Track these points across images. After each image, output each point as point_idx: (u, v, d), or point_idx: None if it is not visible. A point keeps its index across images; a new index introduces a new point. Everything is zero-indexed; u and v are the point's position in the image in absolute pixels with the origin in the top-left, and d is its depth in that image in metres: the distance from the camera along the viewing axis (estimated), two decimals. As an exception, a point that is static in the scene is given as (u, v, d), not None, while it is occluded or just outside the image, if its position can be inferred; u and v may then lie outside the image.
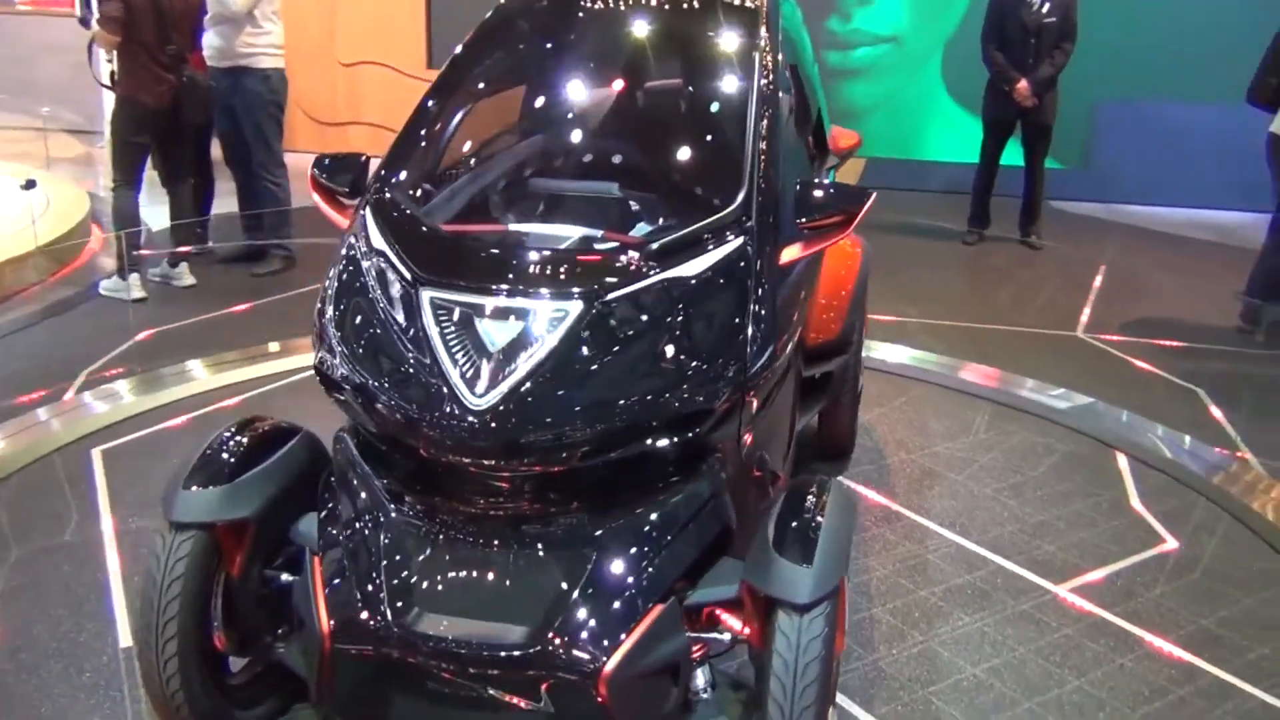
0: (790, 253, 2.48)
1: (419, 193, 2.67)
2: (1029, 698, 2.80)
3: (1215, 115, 9.27)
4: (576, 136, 2.95)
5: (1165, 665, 2.97)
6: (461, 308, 2.23)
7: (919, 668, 2.91)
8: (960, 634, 3.07)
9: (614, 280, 2.25)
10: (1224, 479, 4.09)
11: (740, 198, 2.45)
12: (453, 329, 2.21)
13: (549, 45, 3.17)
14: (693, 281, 2.29)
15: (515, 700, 2.13)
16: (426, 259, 2.35)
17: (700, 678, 2.26)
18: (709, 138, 2.83)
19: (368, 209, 2.56)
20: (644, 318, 2.23)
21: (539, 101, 3.11)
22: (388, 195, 2.58)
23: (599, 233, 2.47)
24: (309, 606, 2.21)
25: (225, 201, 6.73)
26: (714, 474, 2.35)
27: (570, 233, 2.47)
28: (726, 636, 2.29)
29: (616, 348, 2.19)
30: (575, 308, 2.19)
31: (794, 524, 2.18)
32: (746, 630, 2.20)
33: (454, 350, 2.18)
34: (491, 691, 2.13)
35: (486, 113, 3.06)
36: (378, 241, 2.44)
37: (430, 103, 2.89)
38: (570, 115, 3.00)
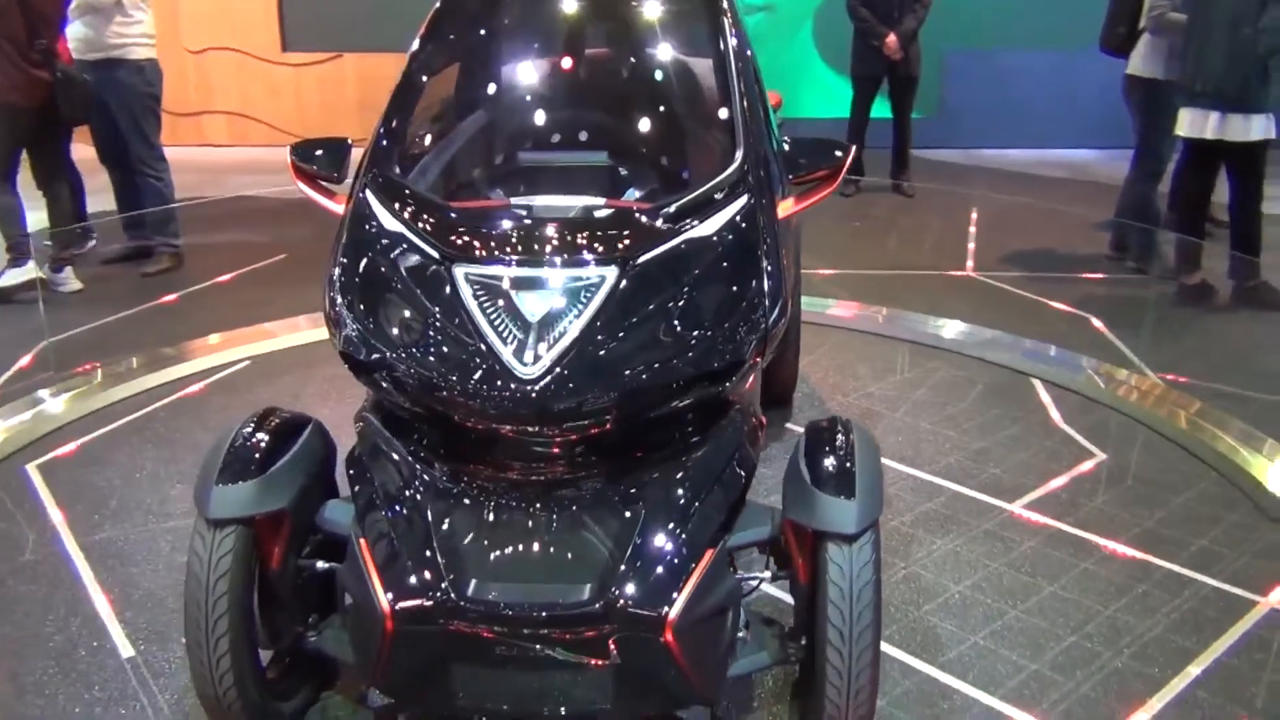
0: (785, 208, 2.59)
1: (417, 172, 2.67)
2: (1013, 606, 3.02)
3: (1056, 62, 9.84)
4: (563, 108, 2.98)
5: (1122, 565, 3.24)
6: (496, 281, 2.26)
7: (908, 591, 3.10)
8: (937, 557, 3.27)
9: (641, 244, 2.32)
10: (1130, 394, 4.43)
11: (739, 157, 2.55)
12: (490, 303, 2.24)
13: (520, 18, 3.19)
14: (712, 240, 2.38)
15: (582, 659, 2.20)
16: (452, 236, 2.36)
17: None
18: (697, 101, 2.91)
19: (368, 191, 2.55)
20: (673, 278, 2.31)
21: (519, 75, 3.12)
22: (387, 176, 2.57)
23: (601, 200, 2.53)
24: (363, 589, 2.22)
25: (96, 200, 6.43)
26: (736, 424, 2.46)
27: (574, 202, 2.52)
28: (766, 575, 2.41)
29: (651, 309, 2.26)
30: (610, 273, 2.26)
31: (828, 461, 2.30)
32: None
33: (496, 323, 2.21)
34: (557, 654, 2.19)
35: (468, 88, 3.06)
36: (391, 223, 2.44)
37: (411, 81, 2.87)
38: (552, 87, 3.03)
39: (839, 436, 2.37)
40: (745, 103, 2.69)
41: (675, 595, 2.17)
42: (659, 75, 3.08)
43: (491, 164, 2.82)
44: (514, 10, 3.22)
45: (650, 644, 2.18)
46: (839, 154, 2.65)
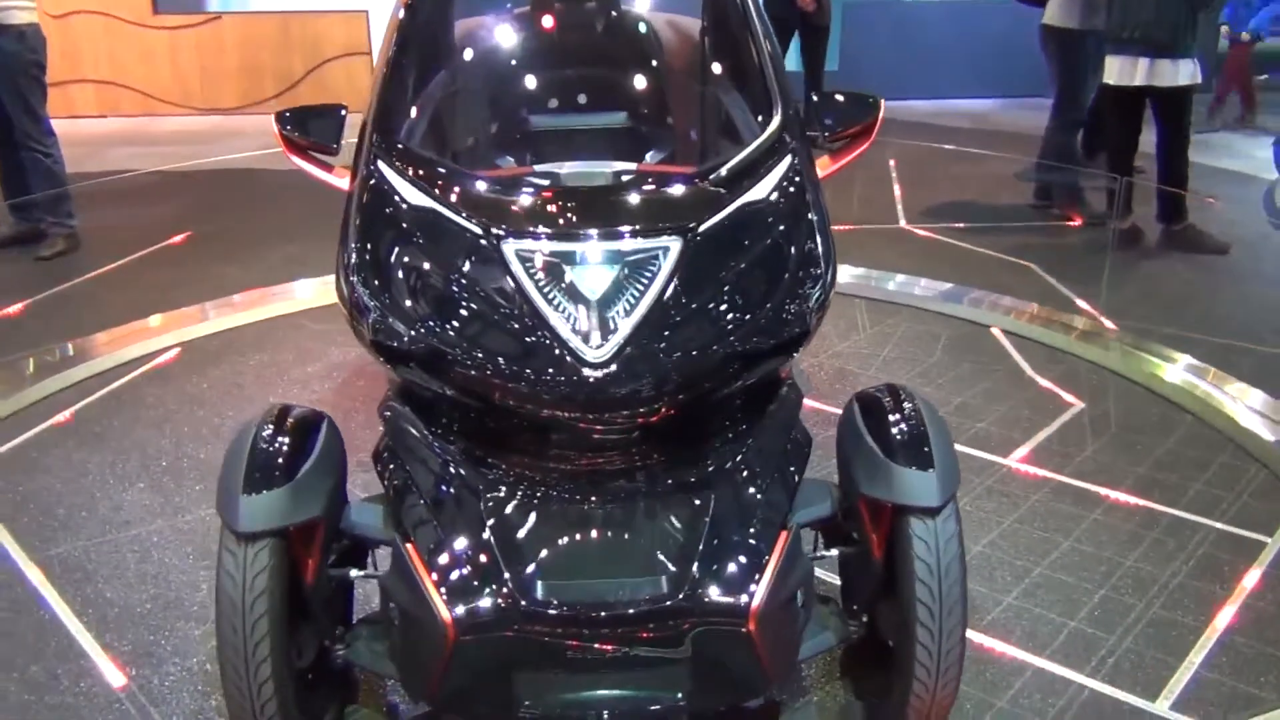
0: (823, 166, 2.47)
1: (425, 141, 2.45)
2: (1037, 564, 2.99)
3: (952, 11, 9.93)
4: (575, 67, 2.78)
5: (1129, 513, 3.26)
6: (550, 257, 2.08)
7: (929, 554, 3.04)
8: (948, 517, 3.22)
9: (701, 212, 2.16)
10: (1090, 341, 4.48)
11: (779, 115, 2.40)
12: (546, 280, 2.05)
13: None
14: (767, 204, 2.24)
15: (658, 656, 2.06)
16: (495, 210, 2.16)
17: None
18: (721, 57, 2.74)
19: (381, 164, 2.31)
20: (734, 247, 2.16)
21: (524, 33, 2.90)
22: (404, 147, 2.34)
23: (631, 165, 2.36)
24: (417, 597, 2.03)
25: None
26: (791, 399, 2.34)
27: (602, 168, 2.34)
28: (833, 553, 2.31)
29: (716, 280, 2.11)
30: (674, 244, 2.09)
31: (897, 431, 2.20)
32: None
33: (555, 303, 2.03)
34: (631, 653, 2.05)
35: (469, 48, 2.83)
36: (419, 198, 2.22)
37: (406, 41, 2.62)
38: (562, 46, 2.83)
39: (904, 404, 2.27)
40: (773, 58, 2.54)
41: (756, 582, 2.05)
42: (675, 31, 2.91)
43: (503, 130, 2.61)
44: None
45: (732, 635, 2.05)
46: (872, 105, 2.53)
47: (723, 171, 2.25)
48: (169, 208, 6.68)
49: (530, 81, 2.78)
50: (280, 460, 2.12)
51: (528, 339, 2.02)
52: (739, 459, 2.18)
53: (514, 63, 2.84)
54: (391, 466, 2.23)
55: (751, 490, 2.14)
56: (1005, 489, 3.38)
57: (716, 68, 2.75)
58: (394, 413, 2.28)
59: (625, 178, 2.29)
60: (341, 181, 2.43)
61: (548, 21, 2.90)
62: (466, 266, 2.11)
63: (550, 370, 1.99)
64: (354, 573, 2.24)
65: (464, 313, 2.08)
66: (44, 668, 2.62)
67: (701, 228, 2.13)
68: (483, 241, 2.11)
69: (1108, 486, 3.39)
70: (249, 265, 5.54)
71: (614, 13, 2.90)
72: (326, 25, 9.54)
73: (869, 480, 2.16)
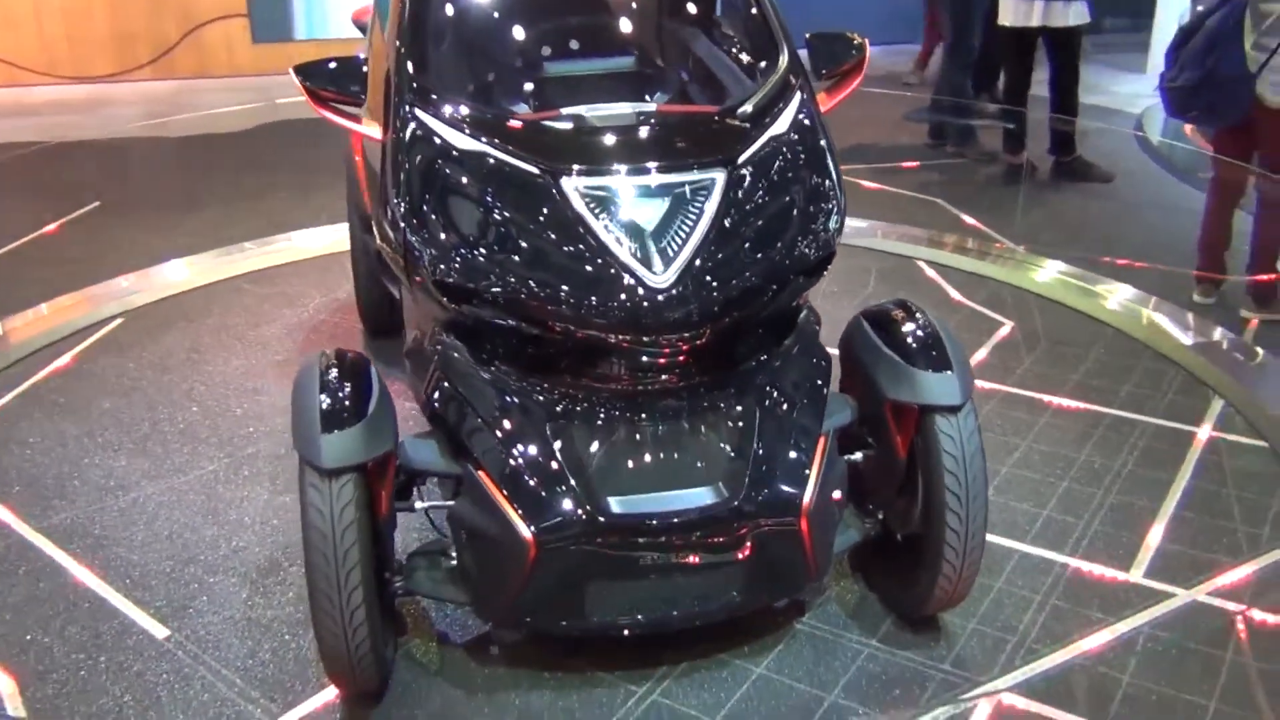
0: (822, 102, 2.65)
1: (458, 90, 2.53)
2: (1003, 464, 3.28)
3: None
4: (581, 13, 2.88)
5: (1074, 416, 3.58)
6: (606, 191, 2.21)
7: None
8: (914, 429, 3.49)
9: (738, 145, 2.32)
10: (1006, 265, 4.82)
11: (785, 54, 2.57)
12: (604, 213, 2.19)
13: None
14: (789, 137, 2.41)
15: (721, 559, 2.24)
16: (548, 149, 2.28)
17: None
18: (729, 3, 2.87)
19: (417, 110, 2.39)
20: (767, 178, 2.33)
21: None
22: (436, 97, 2.42)
23: (652, 106, 2.51)
24: (496, 519, 2.16)
25: None
26: (811, 319, 2.54)
27: (624, 109, 2.48)
28: (858, 456, 2.52)
29: (756, 208, 2.28)
30: (720, 175, 2.25)
31: (914, 341, 2.42)
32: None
33: (615, 234, 2.17)
34: (697, 557, 2.23)
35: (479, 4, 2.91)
36: (466, 142, 2.31)
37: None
38: None
39: (916, 316, 2.48)
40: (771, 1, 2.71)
41: (804, 483, 2.25)
42: None
43: (524, 75, 2.71)
44: None
45: (786, 533, 2.26)
46: (857, 43, 2.72)
47: (748, 108, 2.42)
48: (72, 178, 6.45)
49: (546, 28, 2.87)
50: (348, 401, 2.21)
51: (592, 268, 2.16)
52: (775, 375, 2.37)
53: (529, 9, 2.93)
54: (448, 400, 2.33)
55: (789, 403, 2.33)
56: (960, 401, 3.66)
57: (719, 10, 2.89)
58: (444, 348, 2.37)
59: (650, 116, 2.43)
60: (372, 130, 2.50)
61: None
62: (526, 203, 2.23)
63: (617, 296, 2.14)
64: (419, 504, 2.34)
65: (527, 247, 2.20)
66: (84, 628, 2.64)
67: (740, 160, 2.30)
68: (540, 179, 2.23)
69: (1050, 393, 3.71)
70: (168, 234, 5.43)
71: None
72: (200, -14, 9.22)
73: (893, 386, 2.38)
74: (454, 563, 2.40)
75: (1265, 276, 4.31)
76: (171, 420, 3.62)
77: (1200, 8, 4.42)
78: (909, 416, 2.38)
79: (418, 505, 2.35)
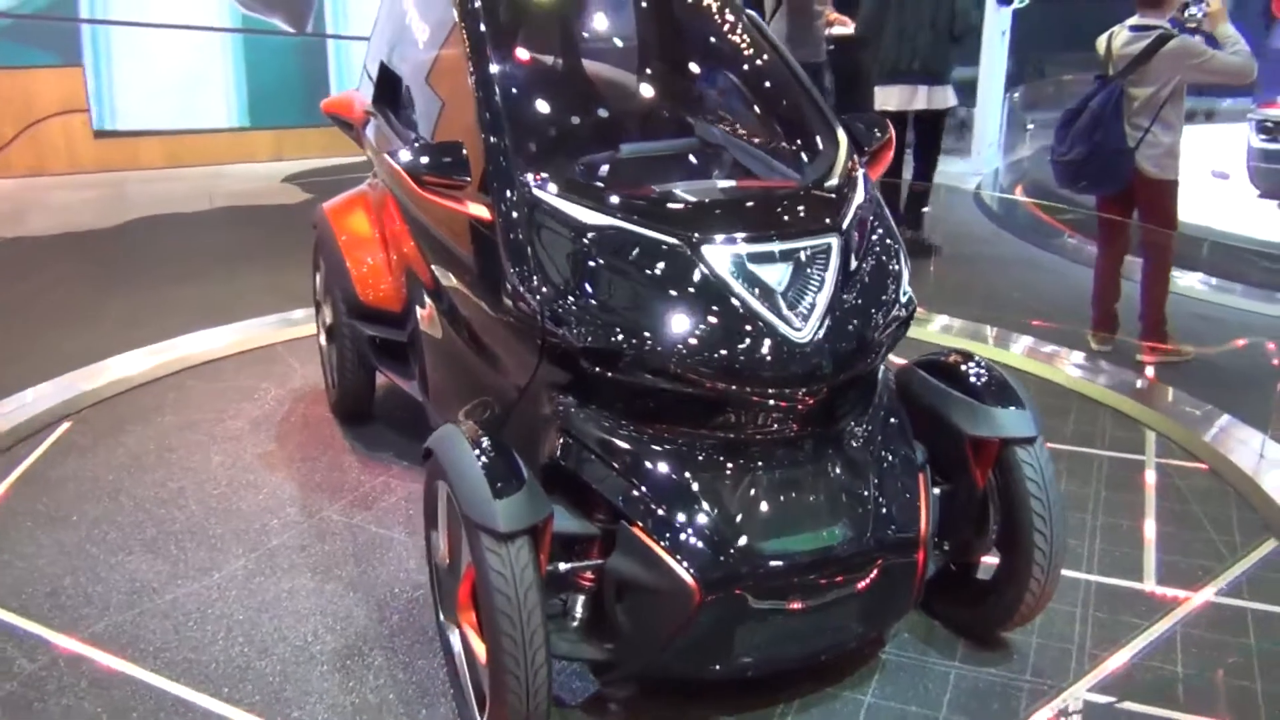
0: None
1: (565, 168, 2.67)
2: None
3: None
4: (663, 99, 3.11)
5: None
6: (739, 258, 2.40)
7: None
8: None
9: (839, 213, 2.57)
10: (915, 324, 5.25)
11: (840, 130, 2.85)
12: (741, 277, 2.38)
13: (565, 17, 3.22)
14: (866, 207, 2.67)
15: (859, 593, 2.42)
16: (681, 222, 2.45)
17: None
18: (784, 85, 3.09)
19: (538, 192, 2.52)
20: (864, 241, 2.58)
21: (591, 70, 3.15)
22: (546, 176, 2.56)
23: (733, 182, 2.74)
24: (657, 571, 2.28)
25: None
26: (887, 370, 2.78)
27: (716, 184, 2.71)
28: (937, 491, 2.75)
29: (864, 268, 2.53)
30: (834, 240, 2.49)
31: (985, 382, 2.69)
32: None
33: (755, 295, 2.36)
34: (840, 593, 2.40)
35: (547, 84, 3.06)
36: (593, 218, 2.46)
37: (489, 75, 2.77)
38: (630, 80, 3.12)
39: (977, 362, 2.77)
40: (804, 79, 3.00)
41: (919, 518, 2.48)
42: (720, 61, 3.26)
43: (601, 153, 2.87)
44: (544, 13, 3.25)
45: (906, 564, 2.48)
46: (885, 125, 3.02)
47: (833, 180, 2.67)
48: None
49: (620, 109, 3.09)
50: (507, 467, 2.30)
51: (741, 327, 2.34)
52: (879, 416, 2.60)
53: (600, 93, 3.13)
54: (582, 461, 2.43)
55: (894, 444, 2.56)
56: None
57: (772, 92, 3.12)
58: (571, 411, 2.48)
59: (752, 191, 2.67)
60: (479, 209, 2.60)
61: (604, 60, 3.20)
62: (671, 271, 2.39)
63: (766, 351, 2.32)
64: (562, 566, 2.42)
65: (676, 310, 2.36)
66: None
67: (845, 226, 2.54)
68: (681, 248, 2.40)
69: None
70: (79, 333, 5.21)
71: (659, 50, 3.27)
72: (38, 82, 8.84)
73: (973, 424, 2.64)
74: (578, 622, 2.48)
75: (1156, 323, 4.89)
76: (174, 520, 3.50)
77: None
78: (988, 451, 2.64)
79: (561, 567, 2.42)
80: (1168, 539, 3.38)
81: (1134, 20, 4.72)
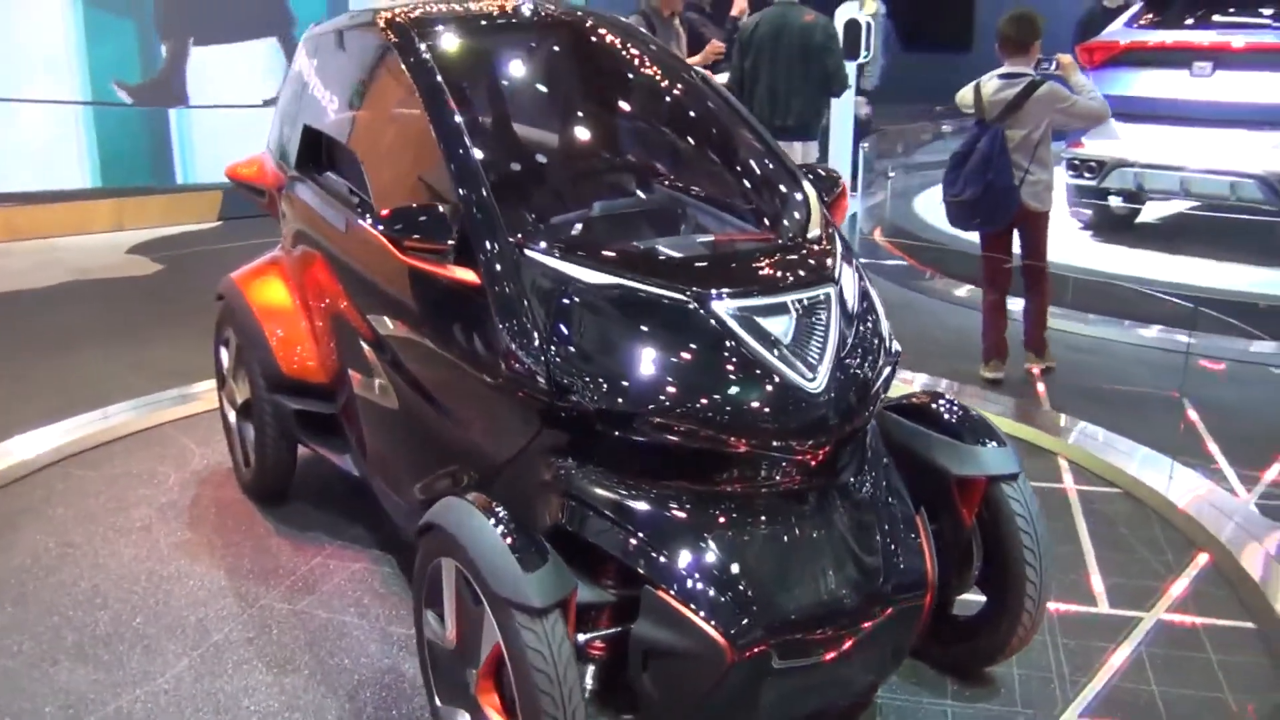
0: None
1: (557, 228, 2.61)
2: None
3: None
4: (619, 155, 3.06)
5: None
6: (746, 311, 2.39)
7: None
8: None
9: (829, 264, 2.59)
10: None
11: (805, 185, 2.89)
12: (749, 331, 2.36)
13: (517, 72, 3.16)
14: (844, 256, 2.71)
15: (879, 641, 2.43)
16: (685, 277, 2.42)
17: None
18: (747, 140, 3.10)
19: (533, 254, 2.46)
20: (852, 290, 2.61)
21: (563, 126, 3.08)
22: (533, 234, 2.50)
23: (711, 237, 2.75)
24: (686, 633, 2.23)
25: None
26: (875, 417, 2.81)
27: (696, 239, 2.70)
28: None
29: (857, 315, 2.56)
30: (831, 290, 2.51)
31: (961, 422, 2.76)
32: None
33: (765, 348, 2.35)
34: (860, 644, 2.39)
35: (518, 142, 2.98)
36: (593, 277, 2.41)
37: (459, 136, 2.70)
38: (599, 137, 3.08)
39: (948, 402, 2.83)
40: (768, 136, 3.04)
41: (925, 562, 2.52)
42: (681, 116, 3.25)
43: (578, 214, 2.82)
44: (496, 66, 3.18)
45: (915, 610, 2.51)
46: (837, 176, 3.10)
47: (815, 232, 2.71)
48: None
49: (595, 165, 3.05)
50: (525, 540, 2.22)
51: (754, 380, 2.32)
52: (878, 464, 2.62)
53: (573, 152, 3.08)
54: (593, 526, 2.36)
55: (892, 491, 2.59)
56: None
57: (741, 149, 3.12)
58: (576, 474, 2.41)
59: (738, 247, 2.68)
60: (466, 274, 2.51)
61: (570, 116, 3.16)
62: (681, 327, 2.36)
63: (781, 403, 2.32)
64: (581, 637, 2.33)
65: (689, 366, 2.33)
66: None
67: (836, 276, 2.57)
68: (689, 304, 2.38)
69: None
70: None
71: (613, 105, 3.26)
72: None
73: (958, 464, 2.70)
74: (586, 694, 2.39)
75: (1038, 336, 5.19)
76: (96, 623, 3.21)
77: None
78: (974, 490, 2.70)
79: (580, 638, 2.33)
80: (1107, 562, 3.53)
81: (1002, 69, 5.01)
